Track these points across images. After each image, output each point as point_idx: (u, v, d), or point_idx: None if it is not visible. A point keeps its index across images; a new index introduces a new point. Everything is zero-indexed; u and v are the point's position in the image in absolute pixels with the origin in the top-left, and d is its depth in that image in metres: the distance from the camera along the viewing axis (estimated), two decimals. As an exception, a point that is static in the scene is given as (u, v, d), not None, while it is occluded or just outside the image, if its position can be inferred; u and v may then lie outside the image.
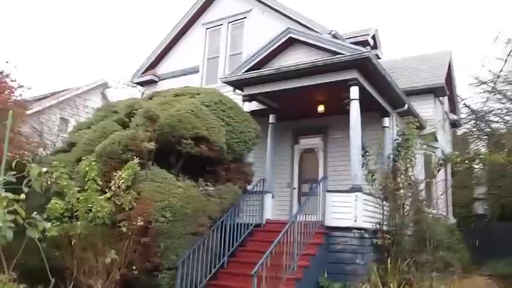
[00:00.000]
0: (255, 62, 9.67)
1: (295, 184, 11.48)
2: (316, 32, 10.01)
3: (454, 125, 16.90)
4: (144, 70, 13.28)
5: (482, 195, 20.77)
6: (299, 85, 9.01)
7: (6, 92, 8.67)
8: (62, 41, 47.71)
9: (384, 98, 9.91)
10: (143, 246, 6.33)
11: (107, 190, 6.58)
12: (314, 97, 10.09)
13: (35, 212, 3.32)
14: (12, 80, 8.82)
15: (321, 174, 11.23)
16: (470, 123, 18.60)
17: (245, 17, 11.82)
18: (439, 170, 11.66)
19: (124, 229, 6.13)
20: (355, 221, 7.81)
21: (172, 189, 6.84)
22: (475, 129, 18.54)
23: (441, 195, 12.94)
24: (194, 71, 12.31)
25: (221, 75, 11.68)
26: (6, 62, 9.70)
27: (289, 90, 9.25)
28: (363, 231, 7.91)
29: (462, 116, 17.89)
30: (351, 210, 7.93)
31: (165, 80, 12.90)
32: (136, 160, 6.44)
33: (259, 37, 11.26)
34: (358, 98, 8.49)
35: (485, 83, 17.22)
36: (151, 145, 7.04)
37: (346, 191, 8.14)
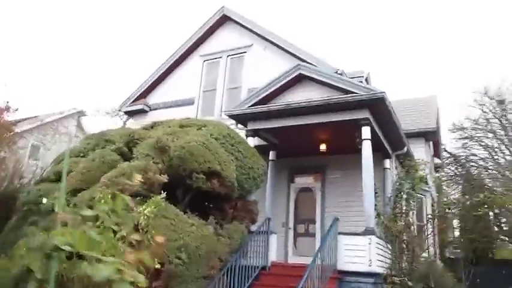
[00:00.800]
0: (261, 97, 9.43)
1: (291, 224, 11.07)
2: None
3: (437, 168, 17.23)
4: (135, 99, 12.75)
5: (455, 239, 21.07)
6: (308, 122, 8.83)
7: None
8: (48, 66, 45.90)
9: (387, 139, 9.88)
10: (153, 291, 5.67)
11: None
12: (317, 135, 9.92)
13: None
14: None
15: (318, 215, 10.92)
16: (449, 167, 19.05)
17: (245, 52, 11.69)
18: (433, 220, 11.74)
19: (136, 272, 5.47)
20: (370, 265, 7.47)
21: (186, 227, 6.30)
22: (453, 173, 18.99)
23: (431, 238, 12.92)
24: (189, 102, 11.92)
25: (218, 108, 11.37)
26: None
27: (296, 127, 9.06)
28: (376, 276, 7.56)
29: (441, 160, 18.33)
30: (365, 254, 7.60)
31: (157, 110, 12.41)
32: (163, 195, 5.85)
33: (259, 72, 11.17)
34: (370, 138, 8.36)
35: (462, 129, 17.81)
36: (164, 178, 6.51)
37: (359, 233, 7.84)
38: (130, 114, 12.94)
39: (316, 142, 10.24)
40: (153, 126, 9.03)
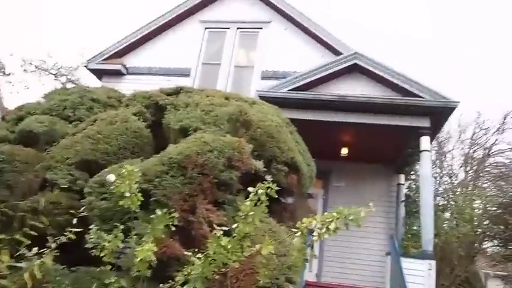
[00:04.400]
0: (300, 83, 8.04)
1: (286, 233, 9.70)
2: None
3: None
4: (108, 56, 10.12)
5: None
6: (355, 121, 7.68)
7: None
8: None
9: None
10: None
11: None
12: (347, 137, 8.82)
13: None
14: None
15: (319, 226, 9.76)
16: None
17: (260, 28, 10.06)
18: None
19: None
20: (430, 295, 6.55)
21: (284, 236, 4.60)
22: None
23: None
24: (183, 73, 9.82)
25: (222, 86, 9.54)
26: None
27: (329, 123, 7.84)
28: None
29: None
30: (423, 281, 6.66)
31: (137, 75, 10.01)
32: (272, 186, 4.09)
33: (277, 55, 9.70)
34: (429, 149, 7.52)
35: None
36: (260, 164, 4.72)
37: (418, 257, 6.89)
38: (99, 73, 10.23)
39: (337, 144, 9.12)
40: (177, 92, 6.94)
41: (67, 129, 6.33)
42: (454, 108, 7.30)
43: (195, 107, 6.11)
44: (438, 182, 16.70)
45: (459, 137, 18.24)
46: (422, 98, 7.48)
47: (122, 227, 3.41)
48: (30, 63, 16.40)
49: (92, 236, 3.36)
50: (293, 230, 3.23)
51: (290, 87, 7.97)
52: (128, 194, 3.21)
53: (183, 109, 6.00)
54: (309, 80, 8.01)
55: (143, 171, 4.38)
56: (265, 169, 5.21)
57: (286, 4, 9.89)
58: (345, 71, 8.12)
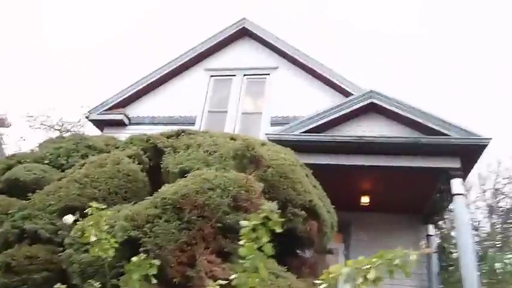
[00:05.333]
0: (313, 125, 7.47)
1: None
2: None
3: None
4: (110, 107, 9.74)
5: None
6: (376, 164, 6.97)
7: None
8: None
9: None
10: None
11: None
12: (366, 183, 8.06)
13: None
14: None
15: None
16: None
17: (268, 74, 9.72)
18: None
19: None
20: None
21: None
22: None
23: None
24: (188, 121, 9.35)
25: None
26: None
27: (356, 168, 7.15)
28: None
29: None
30: None
31: (140, 125, 9.54)
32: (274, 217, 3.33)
33: (286, 100, 9.27)
34: (463, 193, 6.71)
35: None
36: (274, 206, 3.98)
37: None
38: (101, 124, 9.80)
39: (356, 192, 8.34)
40: (178, 134, 6.37)
41: (57, 176, 5.75)
42: (486, 145, 6.60)
43: (197, 148, 5.50)
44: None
45: (481, 187, 17.31)
46: (449, 136, 6.81)
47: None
48: (35, 120, 16.20)
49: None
50: (316, 282, 2.45)
51: (302, 130, 7.39)
52: (93, 238, 2.47)
53: (184, 151, 5.38)
54: (321, 122, 7.44)
55: (131, 217, 3.69)
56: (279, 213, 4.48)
57: (294, 49, 9.61)
58: (360, 111, 7.55)
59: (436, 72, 35.88)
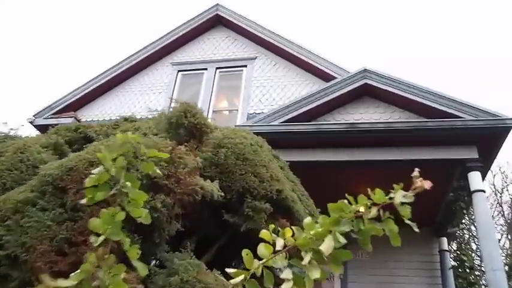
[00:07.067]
0: (294, 113, 6.12)
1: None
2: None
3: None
4: (58, 110, 8.40)
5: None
6: (373, 159, 5.66)
7: None
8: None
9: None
10: None
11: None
12: (360, 187, 6.62)
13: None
14: None
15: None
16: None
17: (244, 66, 8.46)
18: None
19: None
20: None
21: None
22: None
23: None
24: (151, 124, 7.98)
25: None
26: None
27: (349, 165, 5.82)
28: None
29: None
30: None
31: (94, 129, 8.16)
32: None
33: (266, 94, 7.97)
34: (483, 189, 5.34)
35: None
36: (214, 187, 2.64)
37: None
38: (45, 130, 8.42)
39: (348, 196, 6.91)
40: (117, 123, 5.06)
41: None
42: (511, 127, 5.27)
43: (133, 132, 4.18)
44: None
45: (496, 198, 16.03)
46: (463, 118, 5.50)
47: None
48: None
49: None
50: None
51: (282, 119, 6.06)
52: None
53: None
54: (306, 108, 6.12)
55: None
56: (232, 209, 3.10)
57: (277, 36, 8.34)
58: (352, 95, 6.23)
59: (434, 61, 35.48)
